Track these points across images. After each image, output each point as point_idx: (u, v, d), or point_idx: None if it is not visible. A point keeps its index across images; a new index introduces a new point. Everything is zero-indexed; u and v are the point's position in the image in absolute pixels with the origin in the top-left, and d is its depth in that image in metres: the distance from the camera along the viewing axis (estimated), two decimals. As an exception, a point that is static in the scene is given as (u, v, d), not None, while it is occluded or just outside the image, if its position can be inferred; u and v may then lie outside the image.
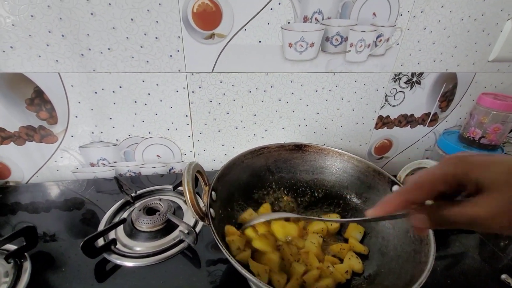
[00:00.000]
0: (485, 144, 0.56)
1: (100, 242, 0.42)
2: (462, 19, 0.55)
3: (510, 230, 0.20)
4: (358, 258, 0.41)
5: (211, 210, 0.36)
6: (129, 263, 0.40)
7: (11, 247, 0.40)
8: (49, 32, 0.45)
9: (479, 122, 0.56)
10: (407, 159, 0.73)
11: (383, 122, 0.66)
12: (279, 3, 0.48)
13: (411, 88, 0.61)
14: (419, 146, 0.71)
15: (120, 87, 0.52)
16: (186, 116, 0.57)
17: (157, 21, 0.47)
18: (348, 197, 0.51)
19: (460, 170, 0.21)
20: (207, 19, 0.47)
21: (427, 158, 0.74)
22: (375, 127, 0.66)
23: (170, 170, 0.64)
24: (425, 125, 0.68)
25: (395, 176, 0.46)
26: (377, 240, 0.43)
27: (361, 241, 0.45)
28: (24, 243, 0.40)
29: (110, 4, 0.44)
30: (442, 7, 0.53)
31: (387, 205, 0.23)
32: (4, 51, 0.45)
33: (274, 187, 0.52)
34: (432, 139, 0.71)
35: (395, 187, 0.45)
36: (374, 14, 0.52)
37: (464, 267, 0.44)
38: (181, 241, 0.44)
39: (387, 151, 0.71)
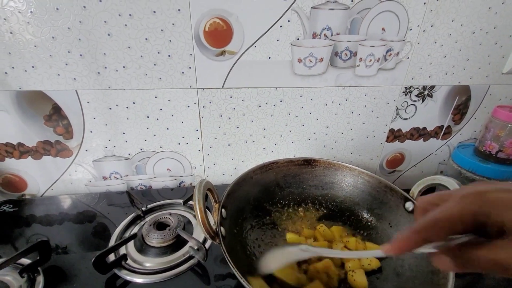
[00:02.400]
0: (503, 158, 0.54)
1: (111, 257, 0.43)
2: (474, 32, 0.54)
3: None
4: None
5: (221, 228, 0.36)
6: (139, 279, 0.40)
7: (26, 261, 0.41)
8: (68, 52, 0.47)
9: (496, 135, 0.54)
10: (420, 173, 0.71)
11: (394, 135, 0.65)
12: (288, 21, 0.49)
13: (423, 101, 0.61)
14: (432, 159, 0.70)
15: (134, 103, 0.53)
16: (197, 130, 0.58)
17: (170, 40, 0.48)
18: (359, 213, 0.49)
19: (480, 209, 0.20)
20: (218, 37, 0.49)
21: (441, 172, 0.72)
22: (386, 141, 0.65)
23: (180, 183, 0.64)
24: (438, 138, 0.67)
25: (407, 190, 0.45)
26: (392, 259, 0.42)
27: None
28: (38, 258, 0.40)
29: (126, 25, 0.46)
30: (452, 21, 0.52)
31: (402, 243, 0.22)
32: (26, 71, 0.48)
33: (283, 202, 0.52)
34: (446, 152, 0.69)
35: (408, 204, 0.44)
36: (383, 29, 0.52)
37: (485, 287, 0.42)
38: (191, 257, 0.44)
39: (399, 164, 0.70)
